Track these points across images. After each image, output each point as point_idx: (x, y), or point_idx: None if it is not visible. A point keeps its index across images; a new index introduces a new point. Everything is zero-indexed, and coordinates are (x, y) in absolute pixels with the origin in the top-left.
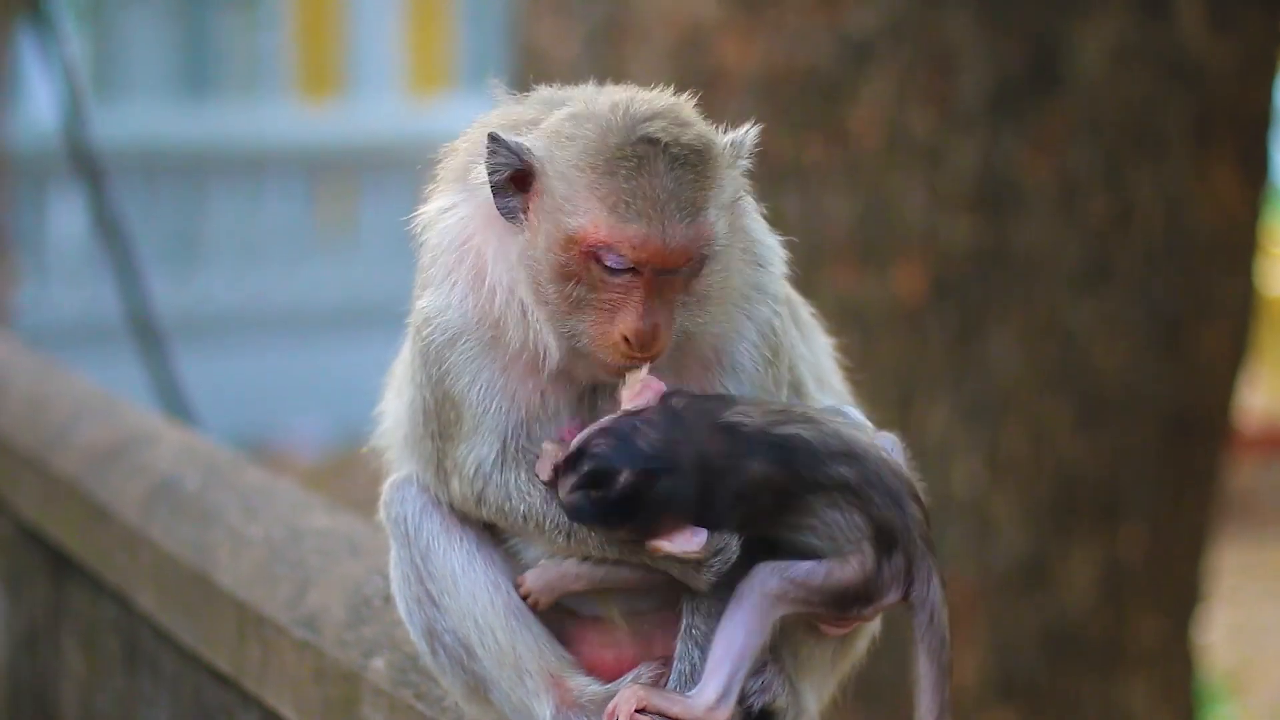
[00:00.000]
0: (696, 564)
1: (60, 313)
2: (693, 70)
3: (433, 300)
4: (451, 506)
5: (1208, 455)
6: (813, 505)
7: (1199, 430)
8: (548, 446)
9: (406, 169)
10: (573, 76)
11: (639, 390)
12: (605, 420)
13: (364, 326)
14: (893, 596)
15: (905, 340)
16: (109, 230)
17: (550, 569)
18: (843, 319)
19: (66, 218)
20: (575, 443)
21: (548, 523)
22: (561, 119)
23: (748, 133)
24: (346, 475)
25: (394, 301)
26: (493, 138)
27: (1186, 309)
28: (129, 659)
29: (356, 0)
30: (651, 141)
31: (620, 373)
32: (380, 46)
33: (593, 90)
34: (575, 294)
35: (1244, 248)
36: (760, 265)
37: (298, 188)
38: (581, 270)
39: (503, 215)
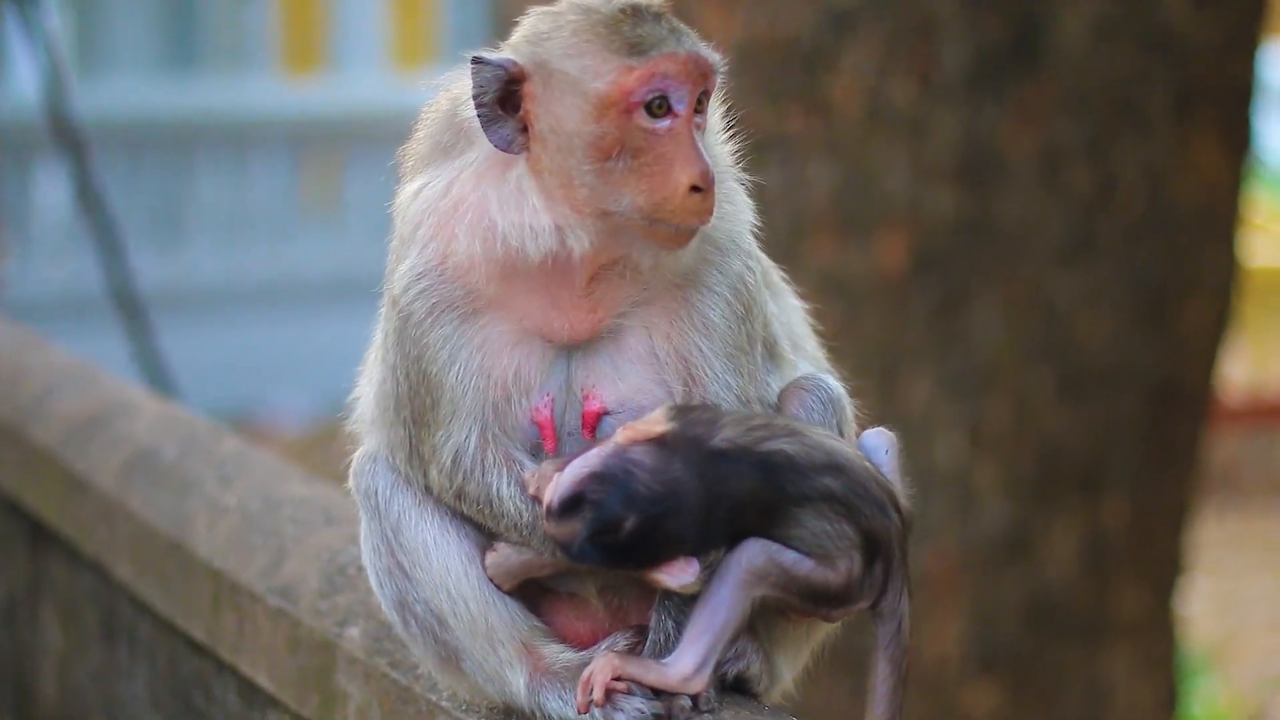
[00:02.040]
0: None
1: (44, 287)
2: None
3: (415, 262)
4: (426, 488)
5: (1190, 427)
6: (799, 517)
7: (1182, 402)
8: (545, 467)
9: (391, 143)
10: None
11: (636, 435)
12: (594, 461)
13: (349, 300)
14: (864, 603)
15: (887, 312)
16: (92, 204)
17: (512, 556)
18: (825, 290)
19: (50, 192)
20: (567, 485)
21: (535, 538)
22: (528, 29)
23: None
24: (330, 449)
25: (379, 276)
26: (475, 59)
27: (1170, 281)
28: (107, 630)
29: None
30: (635, 5)
31: (676, 240)
32: (364, 21)
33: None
34: (620, 166)
35: (1227, 220)
36: (732, 218)
37: (282, 162)
38: (622, 132)
39: (499, 146)
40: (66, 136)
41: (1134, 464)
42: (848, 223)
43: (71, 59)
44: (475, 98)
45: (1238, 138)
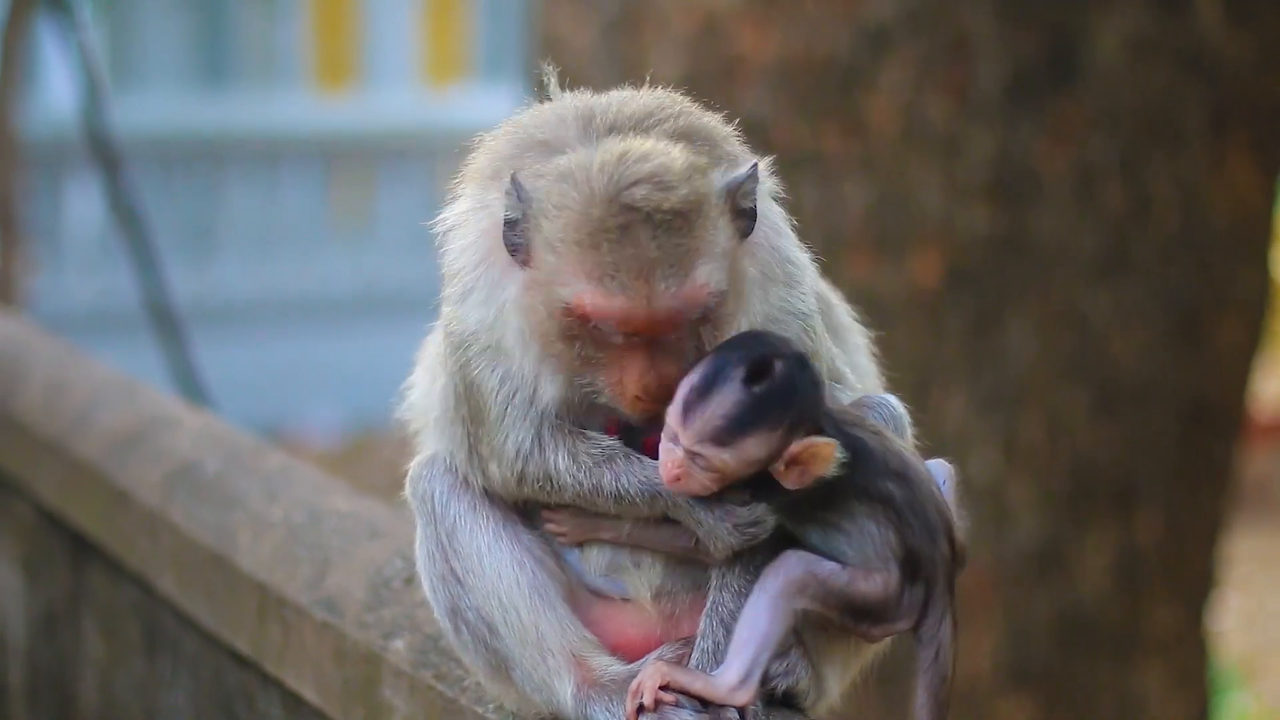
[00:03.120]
0: (727, 530)
1: (76, 300)
2: (710, 59)
3: (456, 312)
4: (484, 489)
5: (1223, 444)
6: (854, 510)
7: (1214, 419)
8: (668, 446)
9: (422, 158)
10: (590, 65)
11: None
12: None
13: (379, 315)
14: (904, 624)
15: (922, 329)
16: (126, 218)
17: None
18: (859, 308)
19: (83, 205)
20: (701, 370)
21: (599, 495)
22: (554, 179)
23: (749, 173)
24: (361, 462)
25: (409, 290)
26: (515, 181)
27: (1202, 299)
28: (149, 642)
29: None
30: (634, 210)
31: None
32: (396, 36)
33: (606, 105)
34: (584, 352)
35: (1260, 238)
36: (790, 285)
37: (314, 177)
38: (584, 332)
39: (510, 252)
40: (102, 150)
41: (1166, 480)
42: (883, 240)
43: (105, 74)
44: (507, 208)
45: (1271, 156)
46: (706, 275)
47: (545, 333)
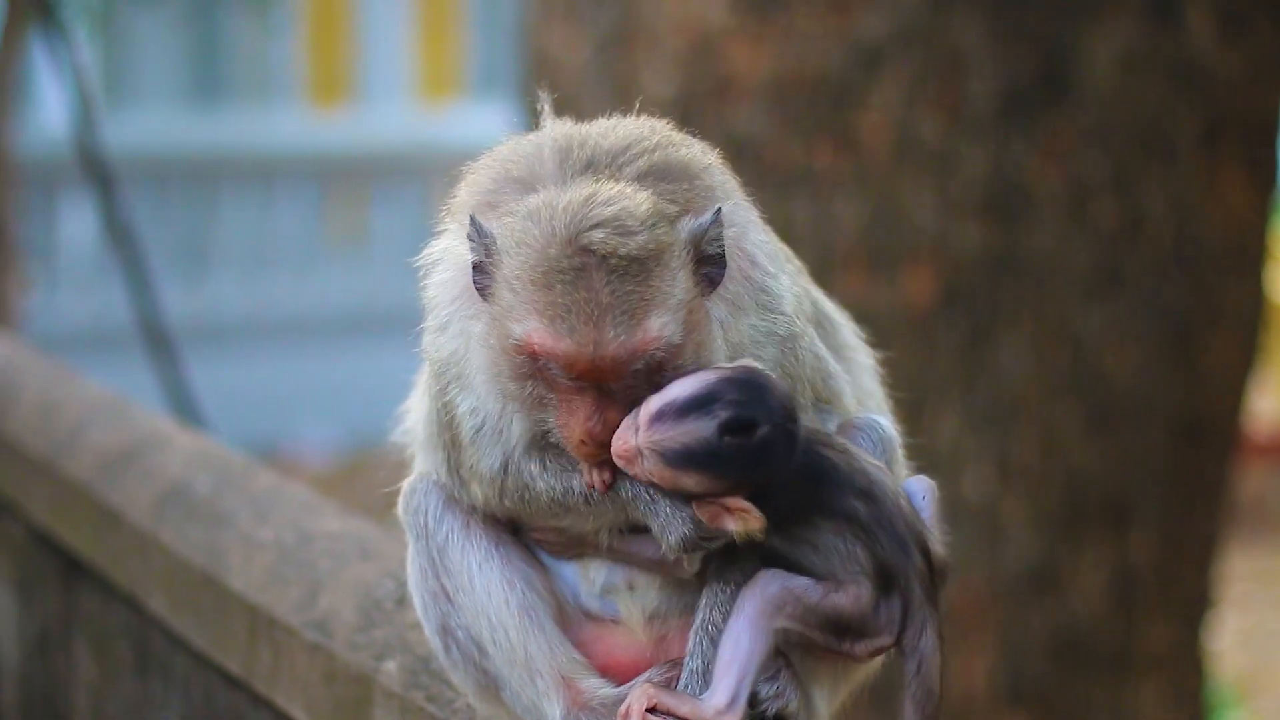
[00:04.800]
0: (681, 520)
1: (70, 319)
2: (702, 76)
3: (435, 341)
4: (472, 507)
5: (1217, 461)
6: (820, 526)
7: (1209, 436)
8: (629, 425)
9: (417, 176)
10: (583, 84)
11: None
12: (725, 370)
13: (373, 334)
14: (886, 639)
15: (915, 346)
16: (120, 236)
17: None
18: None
19: (76, 224)
20: (695, 384)
21: (570, 495)
22: (521, 217)
23: (713, 220)
24: (356, 482)
25: (404, 309)
26: (473, 222)
27: (1196, 315)
28: (140, 663)
29: (367, 7)
30: (590, 252)
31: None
32: (391, 54)
33: (585, 138)
34: (535, 391)
35: (1253, 254)
36: (764, 312)
37: (308, 195)
38: (534, 371)
39: (477, 290)
40: (95, 169)
41: (1161, 498)
42: (876, 257)
43: (98, 91)
44: (471, 248)
45: (1264, 171)
46: (659, 327)
47: (500, 370)
